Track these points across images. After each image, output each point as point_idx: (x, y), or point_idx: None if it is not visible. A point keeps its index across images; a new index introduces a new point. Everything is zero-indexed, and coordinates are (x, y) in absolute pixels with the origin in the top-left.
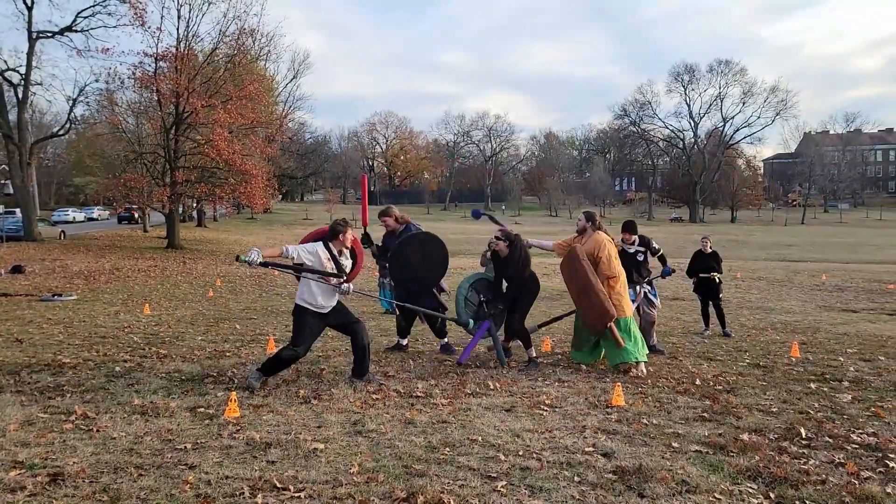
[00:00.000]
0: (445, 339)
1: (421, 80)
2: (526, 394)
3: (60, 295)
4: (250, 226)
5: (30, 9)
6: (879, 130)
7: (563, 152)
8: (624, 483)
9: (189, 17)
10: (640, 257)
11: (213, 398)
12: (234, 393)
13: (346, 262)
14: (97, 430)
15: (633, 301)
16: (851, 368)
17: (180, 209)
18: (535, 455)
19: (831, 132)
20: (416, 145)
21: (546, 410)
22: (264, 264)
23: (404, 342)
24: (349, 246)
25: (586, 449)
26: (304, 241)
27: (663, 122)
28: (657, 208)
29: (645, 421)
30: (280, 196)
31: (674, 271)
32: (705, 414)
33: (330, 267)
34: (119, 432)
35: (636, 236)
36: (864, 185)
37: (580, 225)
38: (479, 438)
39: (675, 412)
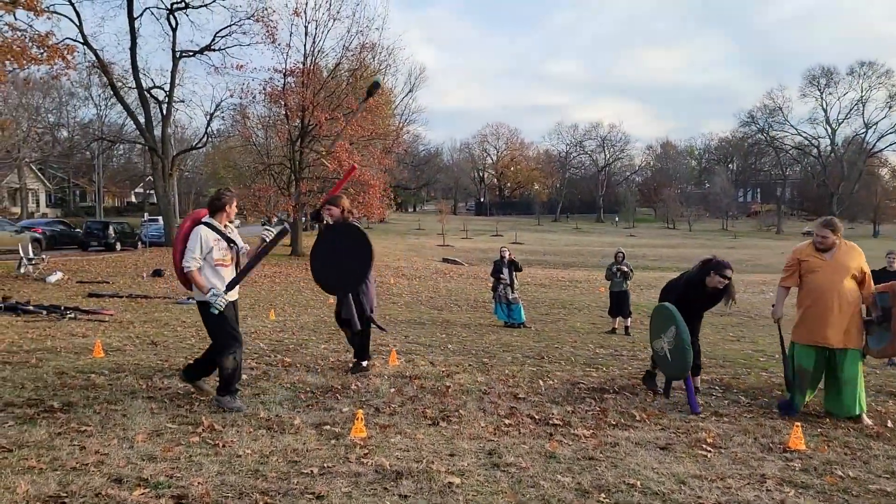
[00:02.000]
0: (366, 363)
1: (532, 90)
2: (680, 428)
3: (194, 299)
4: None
5: (174, 30)
6: None
7: (680, 162)
8: None
9: (315, 34)
10: None
11: (339, 414)
12: (360, 411)
13: (236, 238)
14: (223, 446)
15: None
16: None
17: (303, 219)
18: None
19: None
20: (526, 156)
21: (710, 451)
22: (230, 287)
23: (365, 363)
24: (233, 219)
25: None
26: (181, 235)
27: (795, 129)
28: (787, 221)
29: (839, 472)
30: (395, 207)
31: None
32: None
33: (219, 248)
34: (245, 449)
35: None
36: None
37: (827, 241)
38: (638, 483)
39: (874, 462)
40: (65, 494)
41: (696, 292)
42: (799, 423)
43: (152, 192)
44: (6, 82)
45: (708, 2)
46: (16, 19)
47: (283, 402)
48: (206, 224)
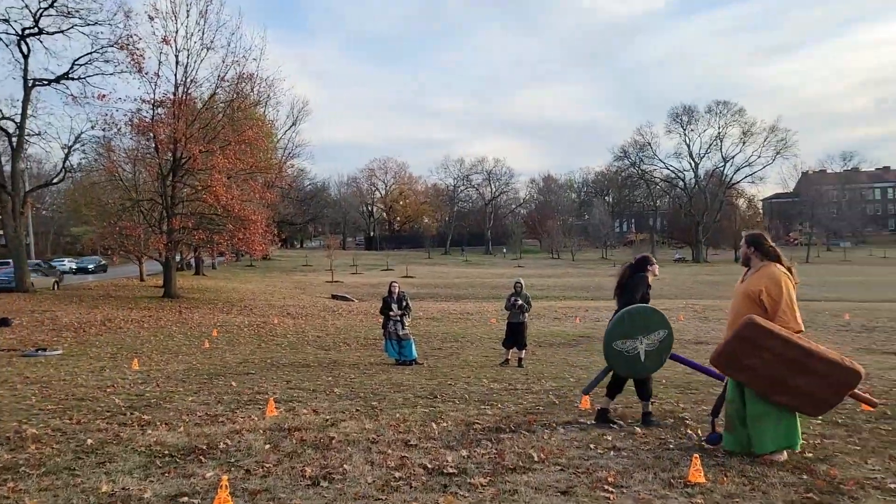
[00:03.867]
0: None
1: (419, 126)
2: (580, 467)
3: (45, 349)
4: (249, 273)
5: (26, 57)
6: (877, 169)
7: (562, 195)
8: None
9: (188, 63)
10: None
11: (200, 481)
12: (224, 476)
13: None
14: None
15: None
16: None
17: (178, 257)
18: None
19: (829, 171)
20: (415, 190)
21: (612, 492)
22: None
23: None
24: None
25: None
26: None
27: (663, 163)
28: (659, 249)
29: None
30: (280, 243)
31: None
32: (811, 494)
33: None
34: None
35: None
36: (865, 223)
37: (742, 252)
38: None
39: (772, 492)
40: None
41: (647, 289)
42: (697, 455)
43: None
44: None
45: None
46: None
47: (133, 470)
48: None
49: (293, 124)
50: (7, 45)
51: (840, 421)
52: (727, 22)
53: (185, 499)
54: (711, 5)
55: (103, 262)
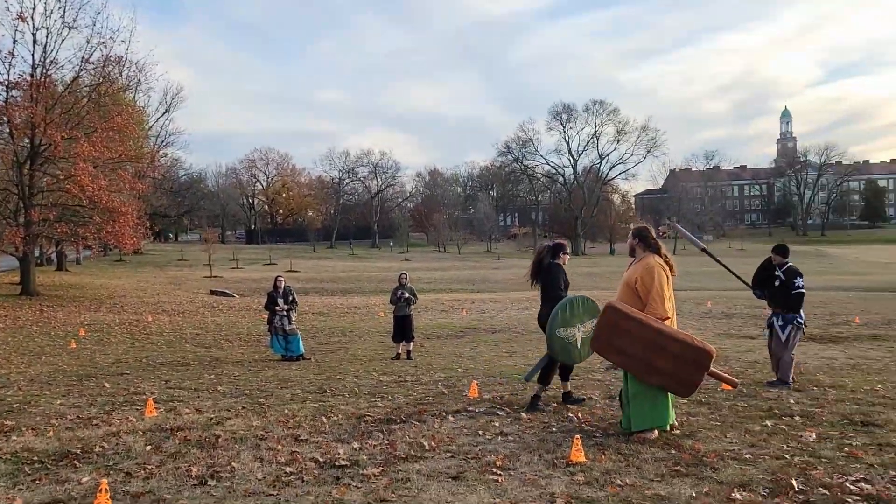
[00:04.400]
0: None
1: (301, 117)
2: (470, 453)
3: None
4: (118, 268)
5: None
6: (735, 167)
7: (447, 189)
8: None
9: (47, 42)
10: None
11: (76, 486)
12: (104, 480)
13: None
14: None
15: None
16: (792, 401)
17: (37, 252)
18: None
19: (693, 169)
20: (298, 182)
21: (500, 475)
22: None
23: None
24: None
25: None
26: None
27: (545, 159)
28: (541, 242)
29: (618, 482)
30: (152, 236)
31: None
32: (679, 467)
33: None
34: None
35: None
36: (725, 217)
37: (629, 243)
38: None
39: (645, 467)
40: None
41: (565, 275)
42: (578, 435)
43: None
44: None
45: (461, 40)
46: None
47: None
48: None
49: (166, 111)
50: None
51: (703, 399)
52: (603, 24)
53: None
54: (588, 7)
55: None
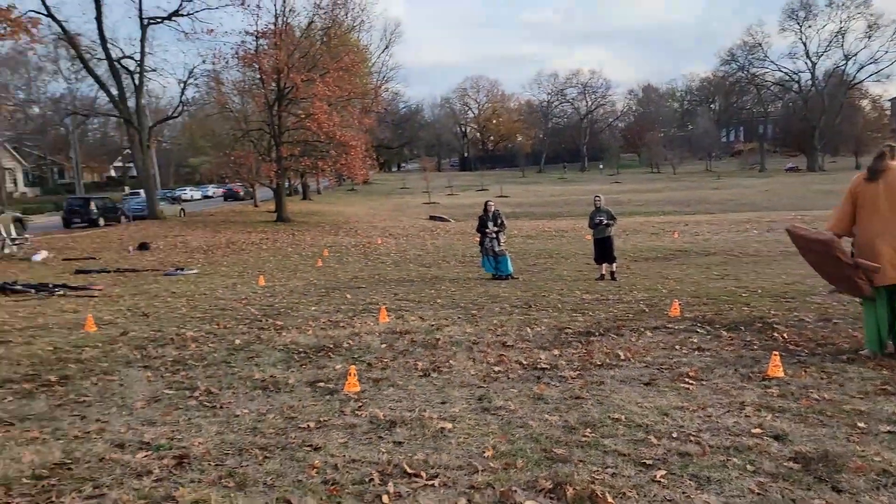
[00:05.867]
0: None
1: (510, 41)
2: (664, 364)
3: (183, 269)
4: (351, 197)
5: None
6: None
7: (662, 105)
8: (810, 473)
9: None
10: None
11: (332, 371)
12: (352, 367)
13: None
14: (220, 407)
15: None
16: None
17: (286, 183)
18: (692, 438)
19: None
20: (508, 108)
21: (692, 384)
22: None
23: None
24: None
25: (752, 430)
26: None
27: (776, 65)
28: (770, 159)
29: (815, 395)
30: (378, 167)
31: None
32: (887, 386)
33: None
34: (242, 409)
35: None
36: None
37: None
38: (623, 417)
39: (849, 384)
40: (69, 461)
41: None
42: (777, 353)
43: (131, 165)
44: None
45: None
46: None
47: (276, 363)
48: None
49: (386, 47)
50: None
51: None
52: None
53: (322, 383)
54: None
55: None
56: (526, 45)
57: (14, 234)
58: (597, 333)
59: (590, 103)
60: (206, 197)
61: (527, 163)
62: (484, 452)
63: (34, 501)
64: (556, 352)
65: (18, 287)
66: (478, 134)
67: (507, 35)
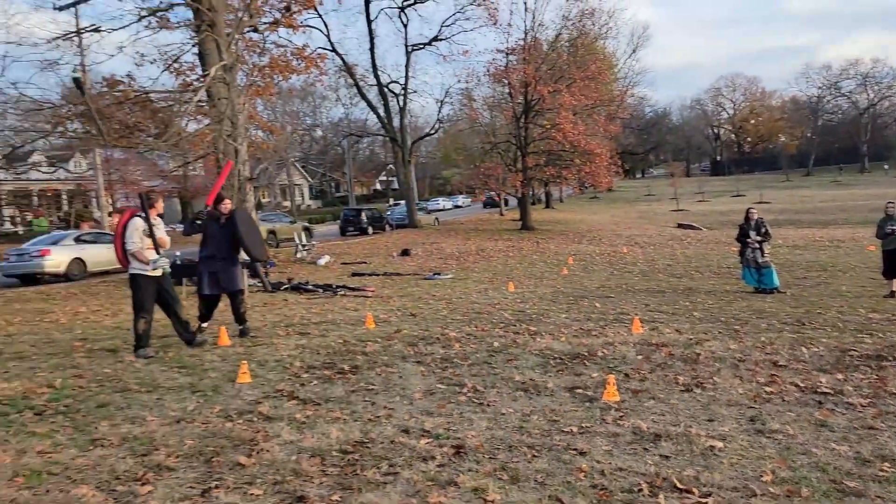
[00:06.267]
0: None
1: (768, 33)
2: None
3: (439, 274)
4: (594, 205)
5: (405, 26)
6: None
7: None
8: None
9: (535, 8)
10: None
11: (589, 379)
12: (611, 376)
13: (160, 231)
14: (488, 405)
15: None
16: None
17: (530, 192)
18: None
19: None
20: (768, 106)
21: None
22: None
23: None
24: (161, 213)
25: None
26: (122, 223)
27: None
28: None
29: None
30: (622, 174)
31: None
32: None
33: (139, 237)
34: (507, 408)
35: None
36: None
37: None
38: None
39: None
40: (367, 441)
41: None
42: None
43: (394, 178)
44: (275, 94)
45: None
46: (279, 37)
47: (534, 367)
48: (141, 217)
49: (633, 51)
50: (391, 18)
51: None
52: None
53: (580, 390)
54: None
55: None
56: (786, 35)
57: (304, 241)
58: (890, 358)
59: (872, 96)
60: (457, 206)
61: (791, 165)
62: (761, 476)
63: (343, 472)
64: (839, 376)
65: (310, 287)
66: (732, 136)
67: (768, 27)
